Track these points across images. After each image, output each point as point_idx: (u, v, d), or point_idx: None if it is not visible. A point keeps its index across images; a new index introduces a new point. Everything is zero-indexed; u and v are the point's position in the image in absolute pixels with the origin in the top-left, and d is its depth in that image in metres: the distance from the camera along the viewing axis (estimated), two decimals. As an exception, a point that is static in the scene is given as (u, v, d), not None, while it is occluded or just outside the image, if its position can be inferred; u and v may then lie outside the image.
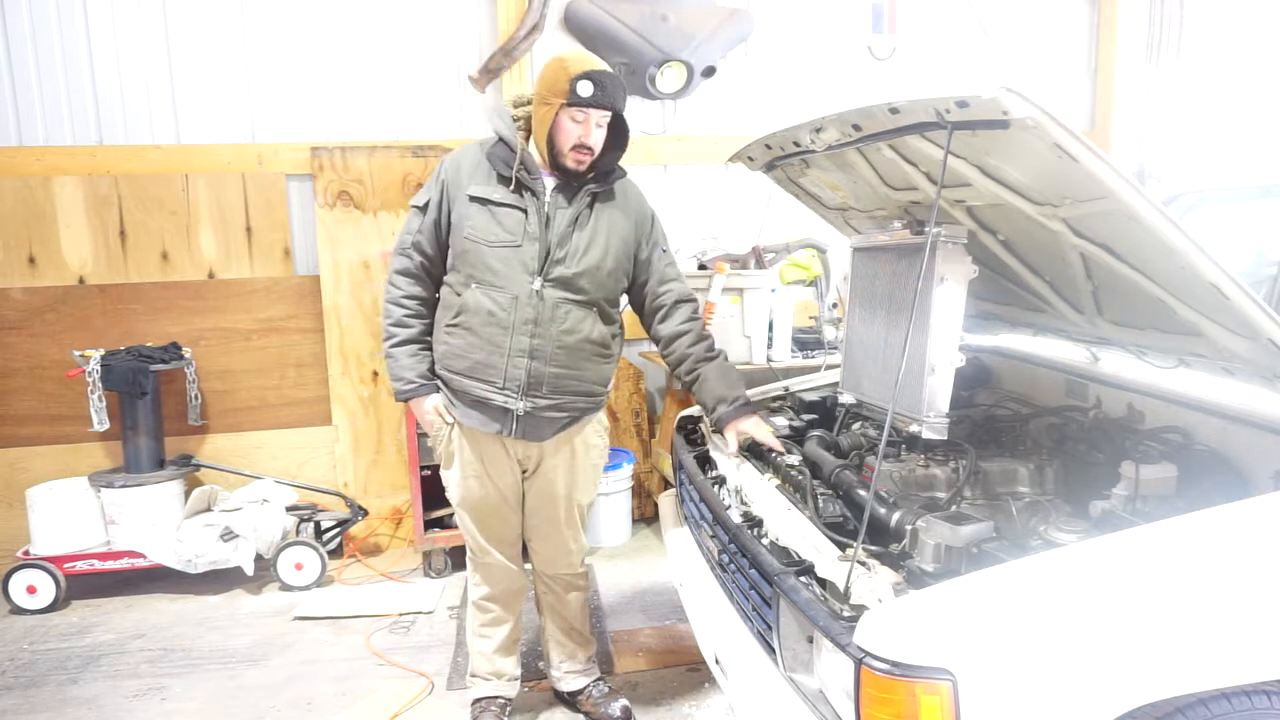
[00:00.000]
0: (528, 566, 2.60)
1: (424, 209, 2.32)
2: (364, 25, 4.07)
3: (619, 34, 4.07)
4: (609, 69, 2.20)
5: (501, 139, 2.28)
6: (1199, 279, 1.51)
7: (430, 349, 2.37)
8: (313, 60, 4.04)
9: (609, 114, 2.21)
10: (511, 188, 2.24)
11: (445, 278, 2.34)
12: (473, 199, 2.25)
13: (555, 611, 2.65)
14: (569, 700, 2.71)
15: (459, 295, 2.28)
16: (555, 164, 2.25)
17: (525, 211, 2.24)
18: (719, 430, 2.39)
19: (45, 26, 3.81)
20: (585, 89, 2.14)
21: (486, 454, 2.37)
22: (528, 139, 2.29)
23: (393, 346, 2.35)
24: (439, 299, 2.37)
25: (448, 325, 2.30)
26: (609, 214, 2.33)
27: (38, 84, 3.84)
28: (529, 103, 2.30)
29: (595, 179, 2.29)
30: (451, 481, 2.42)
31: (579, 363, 2.30)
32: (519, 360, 2.24)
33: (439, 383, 2.37)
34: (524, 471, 2.43)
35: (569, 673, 2.68)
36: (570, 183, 2.27)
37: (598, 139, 2.22)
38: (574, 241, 2.26)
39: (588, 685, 2.68)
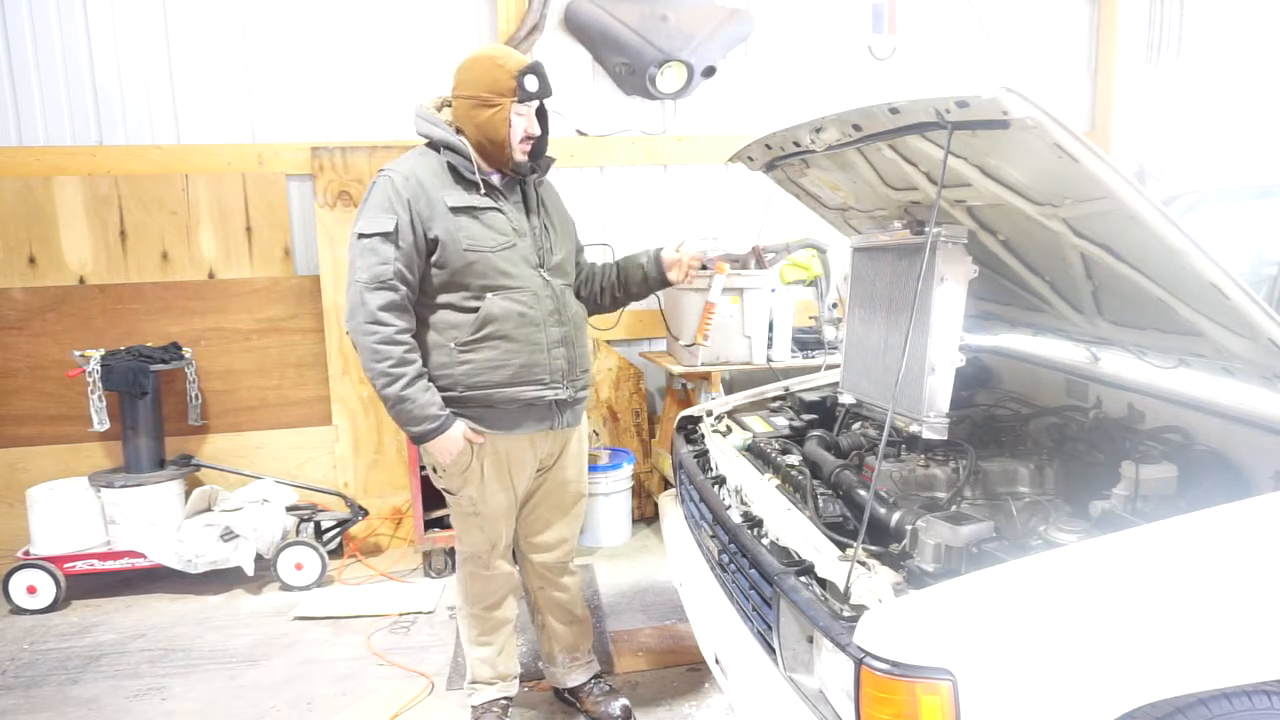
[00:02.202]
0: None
1: (392, 235, 2.12)
2: (364, 25, 4.07)
3: (619, 34, 4.07)
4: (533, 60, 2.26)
5: (448, 145, 2.24)
6: (1199, 279, 1.51)
7: (430, 378, 2.23)
8: (313, 60, 4.04)
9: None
10: (481, 192, 2.23)
11: (440, 297, 2.22)
12: (456, 210, 2.19)
13: (555, 603, 2.63)
14: (569, 698, 2.71)
15: (473, 310, 2.21)
16: (504, 161, 2.26)
17: (502, 211, 2.25)
18: (660, 275, 2.53)
19: (45, 26, 3.81)
20: (532, 84, 2.21)
21: (514, 461, 2.35)
22: None
23: (405, 388, 2.13)
24: (432, 323, 2.25)
25: (467, 343, 2.21)
26: (551, 198, 2.44)
27: (38, 84, 3.84)
28: (447, 104, 2.32)
29: (534, 169, 2.34)
30: (477, 500, 2.35)
31: (585, 340, 2.44)
32: (557, 351, 2.30)
33: (453, 408, 2.26)
34: (539, 469, 2.44)
35: (572, 666, 2.68)
36: (513, 176, 2.30)
37: (537, 126, 2.30)
38: (551, 232, 2.35)
39: (588, 682, 2.68)
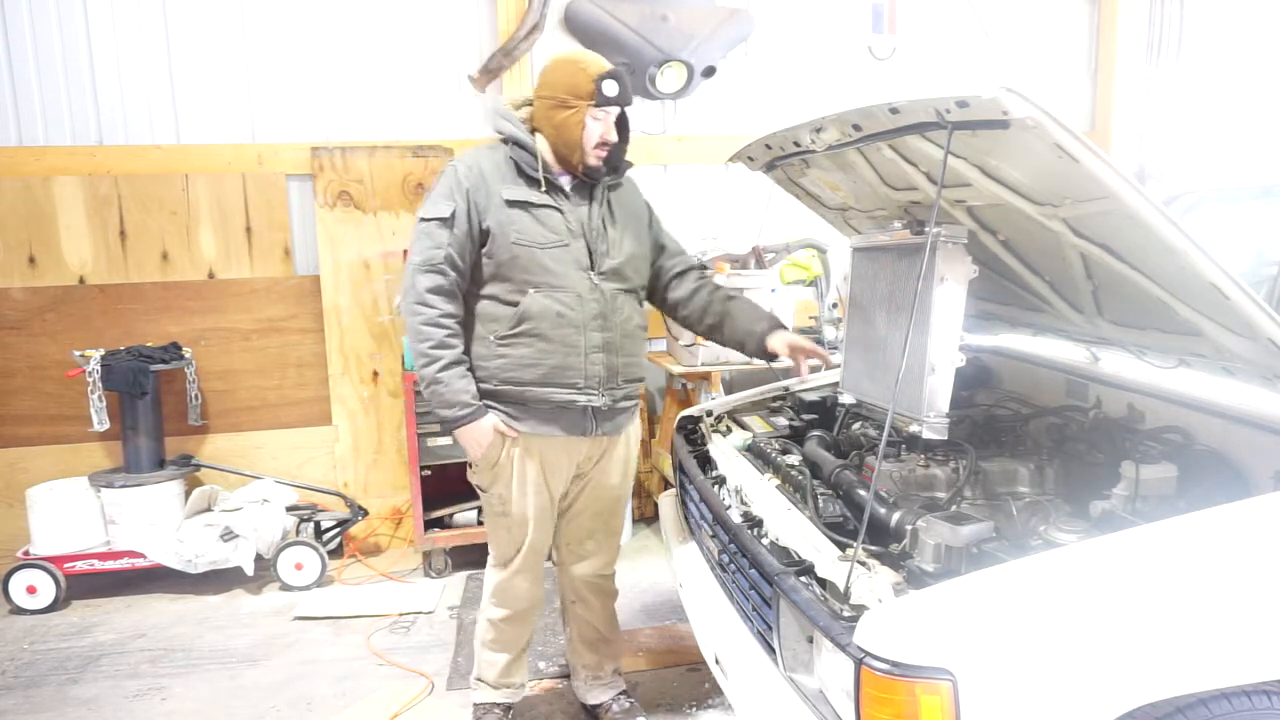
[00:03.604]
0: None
1: (448, 221, 2.18)
2: (364, 25, 4.07)
3: (619, 34, 4.07)
4: (616, 66, 2.24)
5: (516, 141, 2.25)
6: (1199, 279, 1.51)
7: (470, 368, 2.25)
8: (313, 60, 4.04)
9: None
10: (542, 189, 2.23)
11: (485, 289, 2.24)
12: (511, 203, 2.20)
13: (584, 620, 2.60)
14: (589, 710, 2.68)
15: (514, 305, 2.20)
16: (576, 164, 2.24)
17: (560, 211, 2.24)
18: (761, 352, 2.44)
19: (45, 26, 3.81)
20: (611, 89, 2.19)
21: (548, 463, 2.31)
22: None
23: (440, 370, 2.17)
24: (477, 312, 2.27)
25: (504, 337, 2.21)
26: (624, 204, 2.39)
27: (38, 84, 3.84)
28: (529, 103, 2.31)
29: (609, 173, 2.31)
30: (506, 499, 2.32)
31: (636, 349, 2.36)
32: (596, 356, 2.25)
33: (488, 401, 2.26)
34: (577, 475, 2.40)
35: (594, 684, 2.65)
36: (585, 180, 2.29)
37: (614, 134, 2.27)
38: (610, 235, 2.30)
39: (609, 700, 2.63)
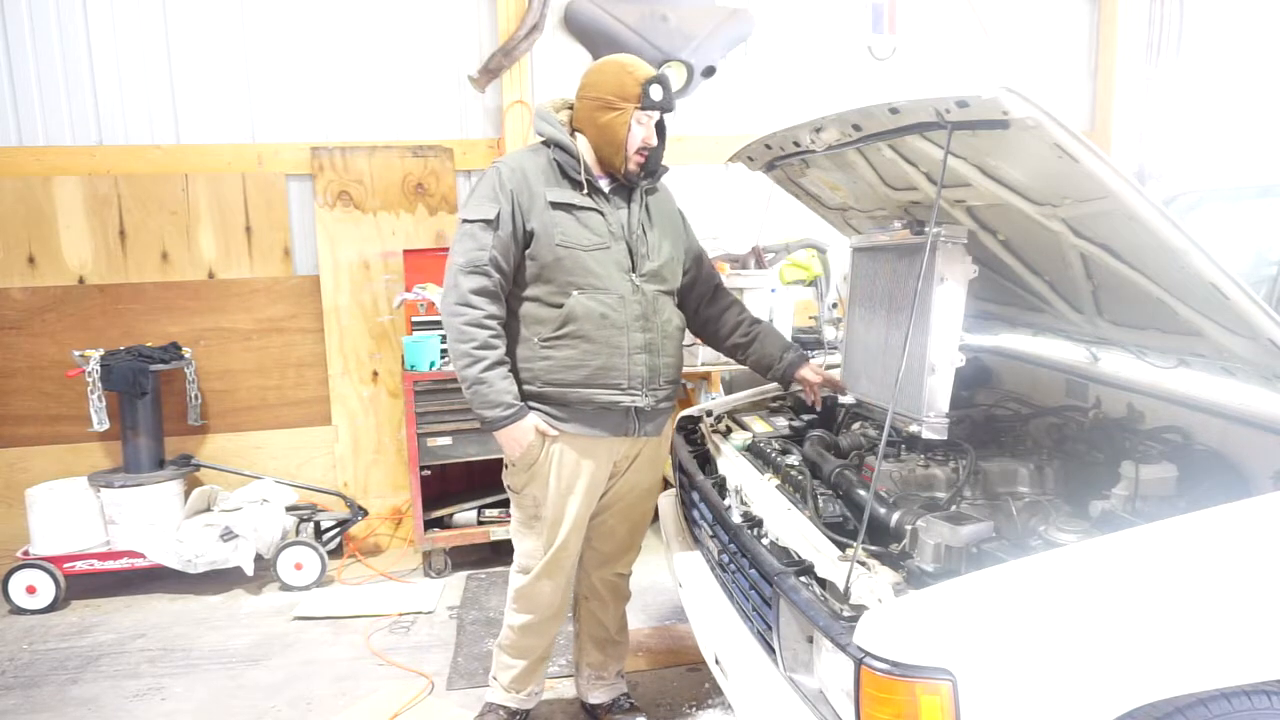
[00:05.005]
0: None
1: (493, 223, 2.18)
2: (364, 25, 4.07)
3: (619, 34, 4.07)
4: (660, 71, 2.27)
5: (559, 144, 2.26)
6: (1199, 279, 1.51)
7: (512, 369, 2.25)
8: (313, 60, 4.04)
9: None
10: (584, 192, 2.23)
11: (528, 291, 2.24)
12: (555, 205, 2.20)
13: (595, 619, 2.59)
14: (588, 709, 2.68)
15: (558, 306, 2.20)
16: (618, 166, 2.25)
17: (602, 214, 2.24)
18: (786, 380, 2.53)
19: (45, 27, 3.81)
20: (657, 93, 2.21)
21: (587, 465, 2.29)
22: None
23: (484, 371, 2.16)
24: (520, 314, 2.27)
25: (549, 339, 2.21)
26: (660, 209, 2.40)
27: (38, 84, 3.84)
28: (569, 106, 2.33)
29: (646, 177, 2.32)
30: (541, 501, 2.30)
31: (676, 350, 2.37)
32: (638, 357, 2.25)
33: (531, 402, 2.26)
34: (612, 475, 2.39)
35: (597, 684, 2.64)
36: (624, 183, 2.30)
37: (655, 138, 2.29)
38: (650, 237, 2.31)
39: (611, 701, 2.63)
